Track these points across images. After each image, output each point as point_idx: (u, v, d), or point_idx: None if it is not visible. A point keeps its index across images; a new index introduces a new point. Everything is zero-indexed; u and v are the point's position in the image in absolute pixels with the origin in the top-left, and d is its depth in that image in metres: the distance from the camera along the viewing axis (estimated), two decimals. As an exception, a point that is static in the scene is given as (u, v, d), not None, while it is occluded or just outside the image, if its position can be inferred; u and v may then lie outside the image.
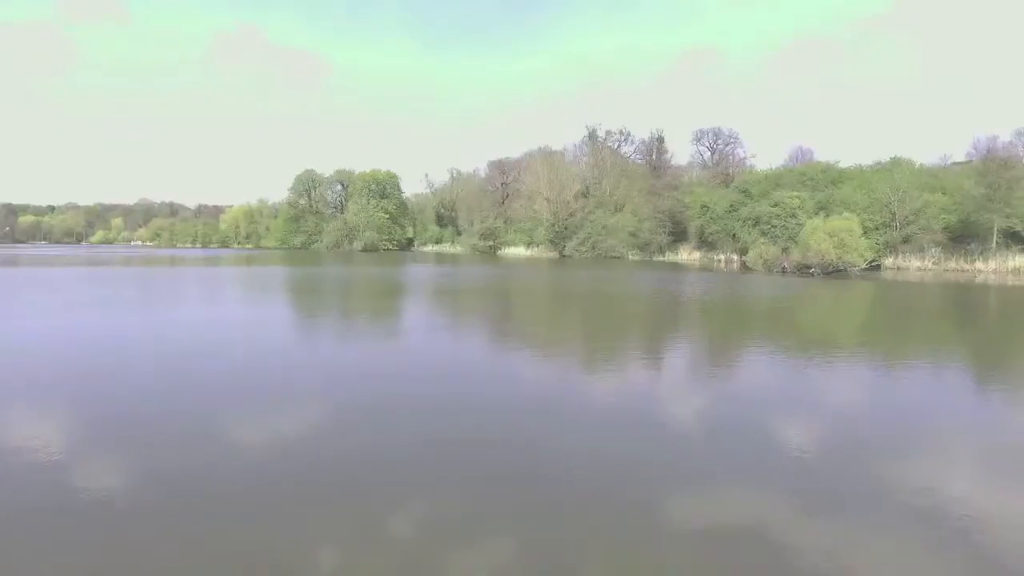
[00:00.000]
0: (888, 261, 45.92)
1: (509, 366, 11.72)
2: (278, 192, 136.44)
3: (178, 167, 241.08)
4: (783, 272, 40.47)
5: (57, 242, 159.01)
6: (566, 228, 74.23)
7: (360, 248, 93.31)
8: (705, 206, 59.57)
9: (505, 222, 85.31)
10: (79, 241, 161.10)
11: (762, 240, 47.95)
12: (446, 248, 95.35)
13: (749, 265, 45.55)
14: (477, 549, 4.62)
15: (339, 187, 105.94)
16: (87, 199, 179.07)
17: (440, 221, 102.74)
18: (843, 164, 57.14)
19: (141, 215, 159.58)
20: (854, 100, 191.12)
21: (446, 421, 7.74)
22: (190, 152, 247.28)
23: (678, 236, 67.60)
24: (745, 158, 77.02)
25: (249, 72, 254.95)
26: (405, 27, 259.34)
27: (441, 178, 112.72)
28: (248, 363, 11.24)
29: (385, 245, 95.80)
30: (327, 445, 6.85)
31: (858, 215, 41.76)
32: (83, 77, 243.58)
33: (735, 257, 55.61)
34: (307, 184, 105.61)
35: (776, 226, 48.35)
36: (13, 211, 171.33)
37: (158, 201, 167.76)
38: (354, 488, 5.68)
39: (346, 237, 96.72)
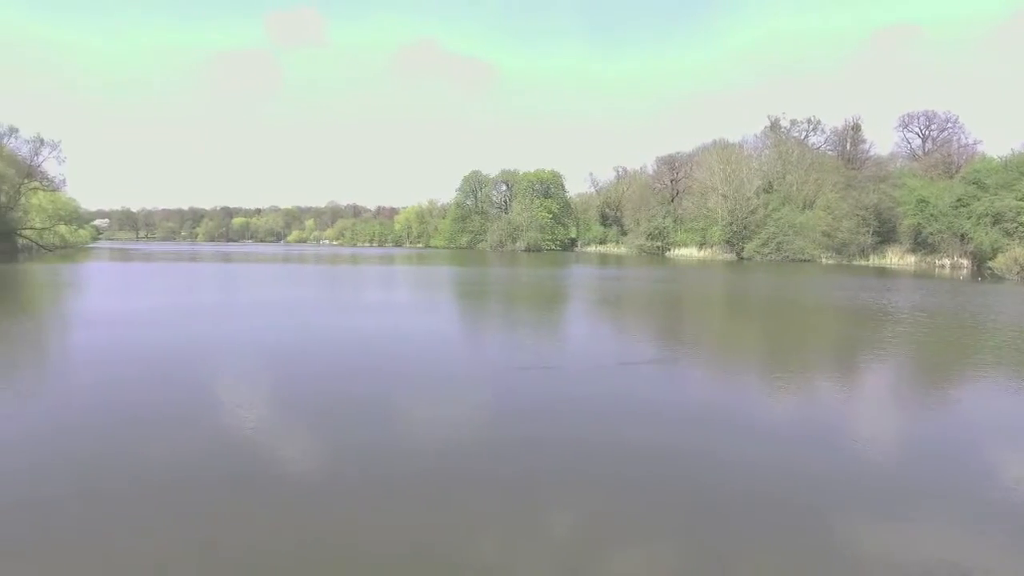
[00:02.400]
0: None
1: (686, 378, 10.89)
2: (447, 193, 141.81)
3: (362, 171, 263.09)
4: (1049, 282, 32.10)
5: (261, 241, 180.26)
6: (745, 227, 67.65)
7: (523, 248, 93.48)
8: (923, 201, 50.58)
9: (675, 221, 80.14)
10: (278, 240, 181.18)
11: (1008, 241, 39.00)
12: (610, 249, 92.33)
13: (996, 272, 36.99)
14: (635, 551, 4.50)
15: (504, 187, 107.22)
16: (286, 202, 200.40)
17: (604, 221, 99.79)
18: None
19: (329, 216, 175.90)
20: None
21: (612, 424, 7.57)
22: (373, 157, 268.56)
23: (884, 236, 58.14)
24: (971, 144, 64.92)
25: (426, 80, 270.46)
26: (573, 29, 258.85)
27: (606, 176, 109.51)
28: (423, 356, 11.86)
29: (548, 245, 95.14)
30: (490, 440, 6.97)
31: None
32: (287, 96, 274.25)
33: (964, 262, 46.37)
34: (473, 185, 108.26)
35: (1028, 224, 39.12)
36: (229, 213, 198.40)
37: (344, 204, 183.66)
38: (523, 482, 5.70)
39: (509, 237, 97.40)
